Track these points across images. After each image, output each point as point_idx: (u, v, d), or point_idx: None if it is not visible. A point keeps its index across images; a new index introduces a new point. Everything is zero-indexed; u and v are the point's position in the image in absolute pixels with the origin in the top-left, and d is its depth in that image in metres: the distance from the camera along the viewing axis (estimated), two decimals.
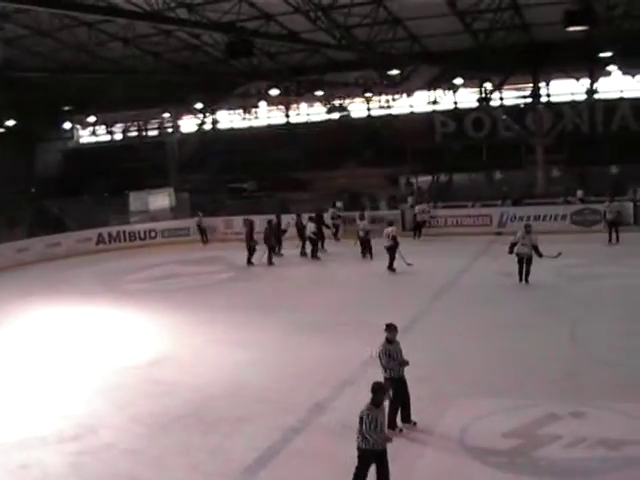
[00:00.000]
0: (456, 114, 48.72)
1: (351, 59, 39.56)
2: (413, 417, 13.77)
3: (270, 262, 33.27)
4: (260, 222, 35.43)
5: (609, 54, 34.87)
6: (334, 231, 38.61)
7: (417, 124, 48.63)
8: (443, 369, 16.95)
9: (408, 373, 16.44)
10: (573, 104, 44.95)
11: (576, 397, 14.60)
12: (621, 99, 45.40)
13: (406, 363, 13.61)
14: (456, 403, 14.74)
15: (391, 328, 13.80)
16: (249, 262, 33.61)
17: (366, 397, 11.13)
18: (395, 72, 38.69)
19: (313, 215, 36.31)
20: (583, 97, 43.01)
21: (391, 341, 13.64)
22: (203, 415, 14.90)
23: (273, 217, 36.11)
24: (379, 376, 16.37)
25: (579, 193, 39.06)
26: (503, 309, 22.22)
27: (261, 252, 33.39)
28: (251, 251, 33.66)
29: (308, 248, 34.70)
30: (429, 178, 48.29)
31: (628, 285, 24.35)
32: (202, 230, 42.00)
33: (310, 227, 34.72)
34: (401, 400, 13.52)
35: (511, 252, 25.34)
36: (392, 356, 13.50)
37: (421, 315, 22.20)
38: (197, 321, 23.14)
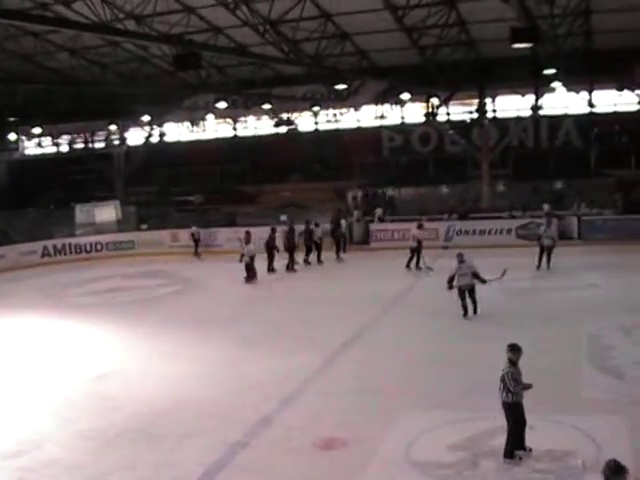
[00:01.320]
0: (403, 129, 49.12)
1: (299, 73, 39.66)
2: (360, 431, 13.78)
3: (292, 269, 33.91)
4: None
5: (553, 71, 35.28)
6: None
7: (364, 138, 48.93)
8: (389, 382, 16.95)
9: (353, 385, 16.56)
10: (518, 120, 45.51)
11: None
12: (565, 115, 46.16)
13: (530, 387, 12.89)
14: (402, 416, 14.73)
15: (515, 349, 13.02)
16: (270, 269, 33.55)
17: (309, 415, 11.04)
18: (343, 86, 38.80)
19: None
20: (528, 113, 43.50)
21: (515, 363, 12.97)
22: (149, 430, 14.73)
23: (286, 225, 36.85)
24: (325, 390, 16.50)
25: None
26: (450, 322, 22.29)
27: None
28: (272, 258, 33.68)
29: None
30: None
31: (571, 298, 24.69)
32: (195, 241, 40.93)
33: (317, 232, 35.37)
34: (523, 426, 12.74)
35: (451, 287, 22.53)
36: (518, 380, 12.77)
37: (367, 329, 22.25)
38: (143, 335, 22.96)
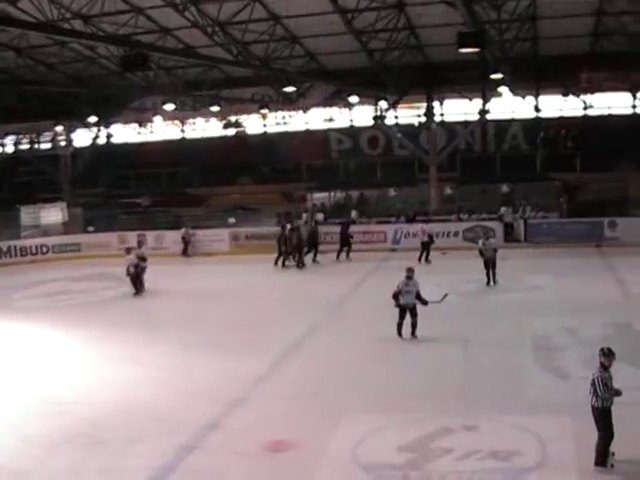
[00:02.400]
0: (352, 132, 49.28)
1: (248, 75, 39.58)
2: (307, 434, 13.81)
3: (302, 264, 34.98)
4: None
5: (500, 76, 35.61)
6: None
7: (313, 141, 49.03)
8: (336, 384, 16.98)
9: (300, 388, 16.56)
10: (466, 124, 45.88)
11: (469, 411, 14.80)
12: (512, 120, 46.65)
13: (620, 393, 12.54)
14: (349, 418, 14.74)
15: (608, 353, 12.62)
16: (283, 264, 34.97)
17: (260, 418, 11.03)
18: (292, 89, 38.81)
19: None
20: (476, 117, 43.89)
21: (606, 368, 12.59)
22: (96, 434, 14.53)
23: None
24: (272, 393, 16.50)
25: (502, 210, 39.61)
26: (394, 324, 22.23)
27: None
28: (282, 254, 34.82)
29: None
30: (325, 194, 48.48)
31: (517, 299, 24.96)
32: (186, 243, 40.65)
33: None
34: (612, 432, 12.37)
35: (398, 305, 20.79)
36: (608, 385, 12.40)
37: (313, 331, 22.28)
38: (90, 338, 22.69)
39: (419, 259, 32.89)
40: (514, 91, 40.04)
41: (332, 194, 48.59)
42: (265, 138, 49.88)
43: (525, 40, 35.18)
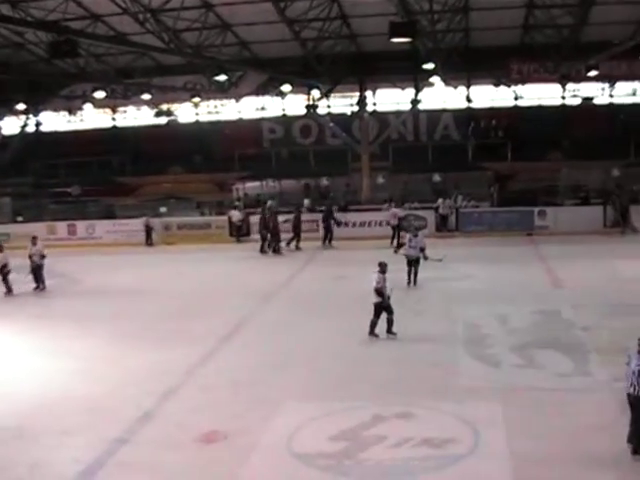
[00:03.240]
0: (284, 121, 49.25)
1: (180, 63, 39.32)
2: (241, 424, 13.79)
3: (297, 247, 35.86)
4: None
5: (432, 66, 35.86)
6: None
7: (245, 130, 48.89)
8: (270, 374, 16.92)
9: (233, 378, 16.50)
10: (398, 113, 46.15)
11: (402, 398, 14.87)
12: (444, 110, 47.05)
13: None
14: (283, 408, 14.72)
15: None
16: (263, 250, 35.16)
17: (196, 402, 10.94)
18: (224, 78, 38.61)
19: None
20: (408, 107, 44.12)
21: None
22: (25, 428, 14.23)
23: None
24: (205, 383, 16.43)
25: (439, 201, 39.75)
26: (332, 313, 22.38)
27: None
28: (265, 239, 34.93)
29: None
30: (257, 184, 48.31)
31: (449, 288, 25.17)
32: (148, 231, 39.85)
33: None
34: None
35: (382, 299, 19.62)
36: None
37: (246, 321, 22.14)
38: (17, 331, 22.17)
39: (391, 242, 33.17)
40: (446, 81, 40.38)
41: (264, 183, 48.43)
42: (197, 127, 49.63)
43: (457, 31, 35.54)
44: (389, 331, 19.47)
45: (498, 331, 19.81)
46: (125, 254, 36.01)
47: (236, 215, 38.93)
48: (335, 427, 13.55)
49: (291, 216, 36.59)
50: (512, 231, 37.02)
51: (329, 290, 26.41)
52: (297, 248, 35.86)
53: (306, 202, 42.17)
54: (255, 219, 37.23)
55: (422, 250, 24.40)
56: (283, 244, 35.60)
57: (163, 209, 41.82)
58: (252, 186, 47.95)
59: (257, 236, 35.88)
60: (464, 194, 40.87)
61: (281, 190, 47.01)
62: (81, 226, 40.60)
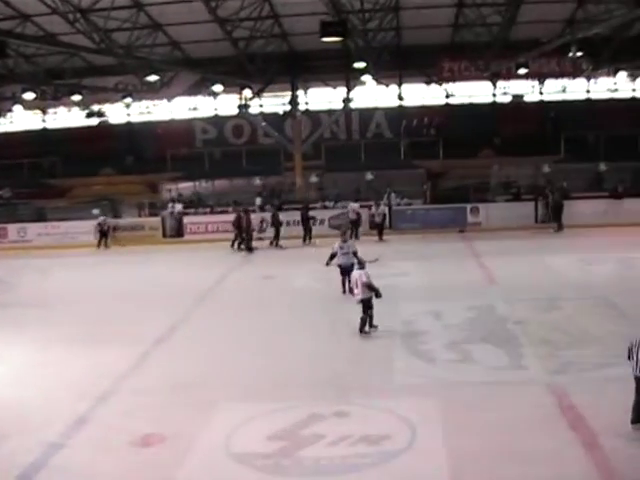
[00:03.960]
0: (216, 121, 49.11)
1: (111, 64, 38.87)
2: (177, 426, 13.73)
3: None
4: None
5: (364, 65, 36.03)
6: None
7: (177, 130, 48.61)
8: (205, 376, 16.85)
9: (168, 380, 16.39)
10: (330, 112, 46.26)
11: (338, 396, 14.93)
12: (376, 108, 47.30)
13: None
14: (219, 409, 14.68)
15: None
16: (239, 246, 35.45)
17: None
18: (155, 78, 38.36)
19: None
20: (340, 105, 44.23)
21: None
22: None
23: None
24: (140, 386, 16.33)
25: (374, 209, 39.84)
26: (264, 313, 22.40)
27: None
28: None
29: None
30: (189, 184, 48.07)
31: (384, 285, 25.03)
32: (103, 233, 38.98)
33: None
34: None
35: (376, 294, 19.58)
36: None
37: (180, 323, 21.94)
38: None
39: (350, 236, 33.08)
40: (378, 80, 40.56)
41: (197, 183, 48.23)
42: (128, 128, 49.28)
43: (388, 30, 35.73)
44: (371, 325, 19.62)
45: (433, 327, 19.97)
46: (58, 257, 35.55)
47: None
48: (272, 426, 13.53)
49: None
50: (445, 228, 37.36)
51: (262, 289, 26.45)
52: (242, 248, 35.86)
53: (258, 201, 41.97)
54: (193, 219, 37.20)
55: (355, 254, 22.69)
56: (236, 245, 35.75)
57: (96, 211, 41.34)
58: (185, 187, 47.72)
59: (189, 237, 35.79)
60: (397, 192, 41.05)
61: (214, 190, 46.90)
62: (12, 229, 40.04)
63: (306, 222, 36.83)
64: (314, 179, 45.18)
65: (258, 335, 20.07)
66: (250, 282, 27.86)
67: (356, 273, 19.89)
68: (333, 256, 23.15)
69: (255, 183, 46.78)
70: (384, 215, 36.38)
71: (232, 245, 35.65)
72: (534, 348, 17.68)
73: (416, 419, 13.53)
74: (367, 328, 19.48)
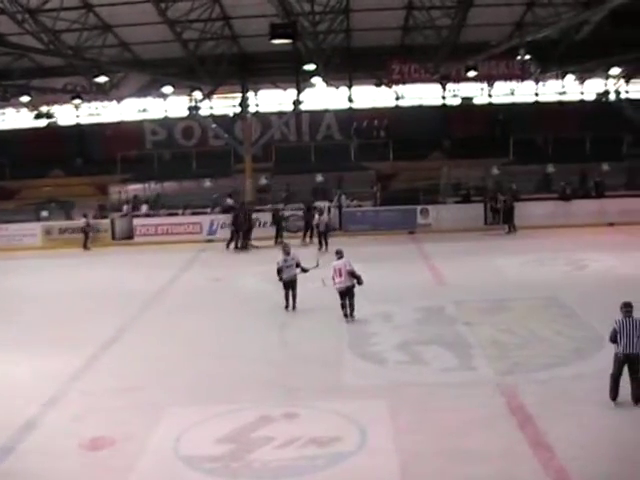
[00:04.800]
0: (166, 122, 48.87)
1: (60, 65, 38.55)
2: (127, 430, 13.67)
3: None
4: None
5: (313, 67, 36.07)
6: None
7: (127, 132, 48.25)
8: (154, 379, 16.79)
9: (118, 384, 16.26)
10: (280, 114, 46.21)
11: (288, 398, 14.98)
12: (326, 110, 47.35)
13: None
14: (168, 412, 14.61)
15: None
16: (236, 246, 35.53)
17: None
18: (105, 79, 38.08)
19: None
20: (290, 107, 44.21)
21: None
22: None
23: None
24: (89, 390, 16.20)
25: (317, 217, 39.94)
26: (214, 315, 22.42)
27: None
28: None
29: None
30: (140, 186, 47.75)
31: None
32: (86, 234, 38.58)
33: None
34: None
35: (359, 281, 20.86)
36: None
37: (129, 326, 21.86)
38: None
39: (309, 238, 34.88)
40: (328, 82, 40.63)
41: (147, 185, 47.93)
42: (78, 129, 48.84)
43: (338, 32, 35.77)
44: (351, 314, 20.70)
45: (383, 329, 20.10)
46: (3, 260, 35.15)
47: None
48: (222, 429, 13.53)
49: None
50: (395, 230, 37.51)
51: (210, 292, 26.41)
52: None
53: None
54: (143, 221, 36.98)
55: (298, 265, 22.63)
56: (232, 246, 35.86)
57: (44, 213, 40.98)
58: (134, 189, 47.39)
59: (139, 239, 35.59)
60: (347, 194, 41.15)
61: (163, 192, 46.66)
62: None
63: (279, 222, 37.23)
64: (264, 181, 45.13)
65: (207, 337, 20.08)
66: (200, 284, 27.80)
67: (340, 262, 21.09)
68: (280, 271, 22.34)
69: (205, 185, 46.58)
70: (326, 225, 34.68)
71: (227, 246, 35.63)
72: (483, 349, 17.85)
73: (366, 420, 13.59)
74: (348, 313, 20.82)
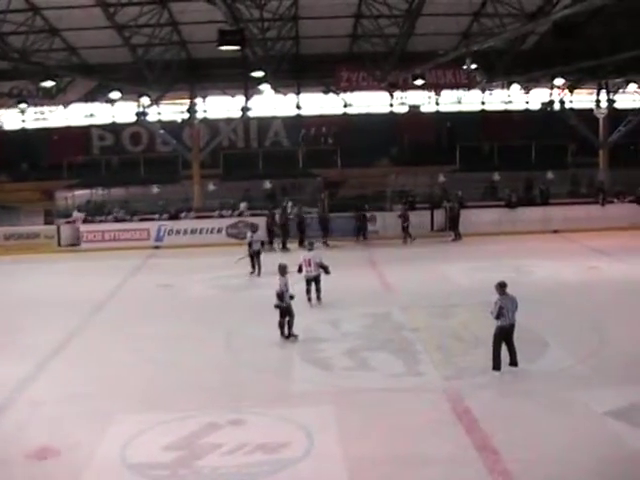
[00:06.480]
0: (114, 128, 48.62)
1: (5, 68, 38.08)
2: (74, 438, 13.58)
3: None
4: None
5: (262, 74, 36.11)
6: None
7: (74, 137, 47.98)
8: (101, 386, 16.68)
9: (64, 392, 16.09)
10: (229, 120, 46.21)
11: (236, 405, 14.98)
12: (274, 117, 47.44)
13: None
14: (115, 420, 14.51)
15: None
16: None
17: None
18: (51, 83, 37.75)
19: None
20: (238, 114, 44.20)
21: None
22: None
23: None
24: (35, 398, 16.02)
25: (242, 205, 40.26)
26: (161, 322, 22.27)
27: None
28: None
29: None
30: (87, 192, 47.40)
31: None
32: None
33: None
34: None
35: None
36: None
37: (76, 333, 21.61)
38: None
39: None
40: (276, 89, 40.66)
41: (94, 191, 47.60)
42: (23, 134, 48.44)
43: (287, 39, 35.86)
44: (289, 334, 19.83)
45: (331, 335, 20.16)
46: None
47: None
48: (169, 436, 13.50)
49: None
50: (343, 236, 37.60)
51: (158, 298, 26.31)
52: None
53: (242, 205, 41.50)
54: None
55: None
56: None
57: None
58: (81, 194, 47.02)
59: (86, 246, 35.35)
60: (295, 201, 41.20)
61: (110, 198, 46.37)
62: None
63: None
64: (212, 187, 45.06)
65: (154, 344, 19.94)
66: (147, 291, 27.64)
67: (310, 254, 23.75)
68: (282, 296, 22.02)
69: (153, 191, 46.39)
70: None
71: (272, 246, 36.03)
72: (430, 354, 18.03)
73: (313, 426, 13.66)
74: (314, 297, 23.03)
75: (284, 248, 35.77)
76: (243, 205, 40.99)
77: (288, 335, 19.74)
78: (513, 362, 16.36)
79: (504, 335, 16.20)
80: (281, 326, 19.88)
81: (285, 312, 19.82)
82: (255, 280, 28.33)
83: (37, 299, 26.61)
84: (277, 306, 19.76)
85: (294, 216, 37.83)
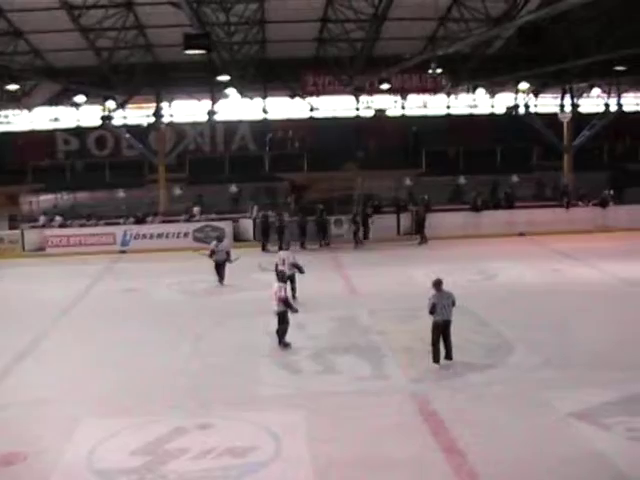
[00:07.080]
0: (79, 132, 48.32)
1: None
2: (39, 444, 13.49)
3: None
4: None
5: (228, 78, 36.08)
6: None
7: (38, 141, 47.59)
8: (66, 391, 16.59)
9: (29, 397, 15.97)
10: (195, 124, 46.11)
11: (203, 409, 14.96)
12: (240, 121, 47.39)
13: None
14: (81, 425, 14.43)
15: None
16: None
17: None
18: (16, 87, 37.52)
19: None
20: (204, 118, 44.08)
21: None
22: None
23: None
24: (3, 398, 15.92)
25: (195, 210, 40.37)
26: (127, 326, 22.22)
27: None
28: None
29: None
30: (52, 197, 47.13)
31: (250, 297, 25.14)
32: None
33: None
34: None
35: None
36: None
37: (42, 338, 21.47)
38: None
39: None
40: (242, 93, 40.63)
41: (59, 196, 47.35)
42: None
43: (253, 43, 35.85)
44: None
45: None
46: None
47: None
48: (136, 441, 13.46)
49: None
50: (309, 240, 37.59)
51: (124, 302, 26.23)
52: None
53: (195, 210, 41.32)
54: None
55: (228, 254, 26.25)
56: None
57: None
58: (46, 199, 46.78)
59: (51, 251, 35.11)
60: (261, 205, 41.17)
61: (75, 202, 46.16)
62: None
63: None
64: (178, 192, 44.97)
65: (120, 348, 19.87)
66: (113, 295, 27.52)
67: (284, 253, 24.70)
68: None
69: (118, 196, 46.23)
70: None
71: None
72: (396, 357, 18.13)
73: (281, 430, 13.67)
74: (285, 340, 19.45)
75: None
76: (196, 209, 40.98)
77: (285, 344, 19.43)
78: (448, 356, 17.28)
79: (440, 330, 17.13)
80: (282, 333, 19.56)
81: (287, 319, 19.52)
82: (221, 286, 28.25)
83: (1, 304, 26.45)
84: (282, 312, 19.38)
85: (259, 220, 37.93)
